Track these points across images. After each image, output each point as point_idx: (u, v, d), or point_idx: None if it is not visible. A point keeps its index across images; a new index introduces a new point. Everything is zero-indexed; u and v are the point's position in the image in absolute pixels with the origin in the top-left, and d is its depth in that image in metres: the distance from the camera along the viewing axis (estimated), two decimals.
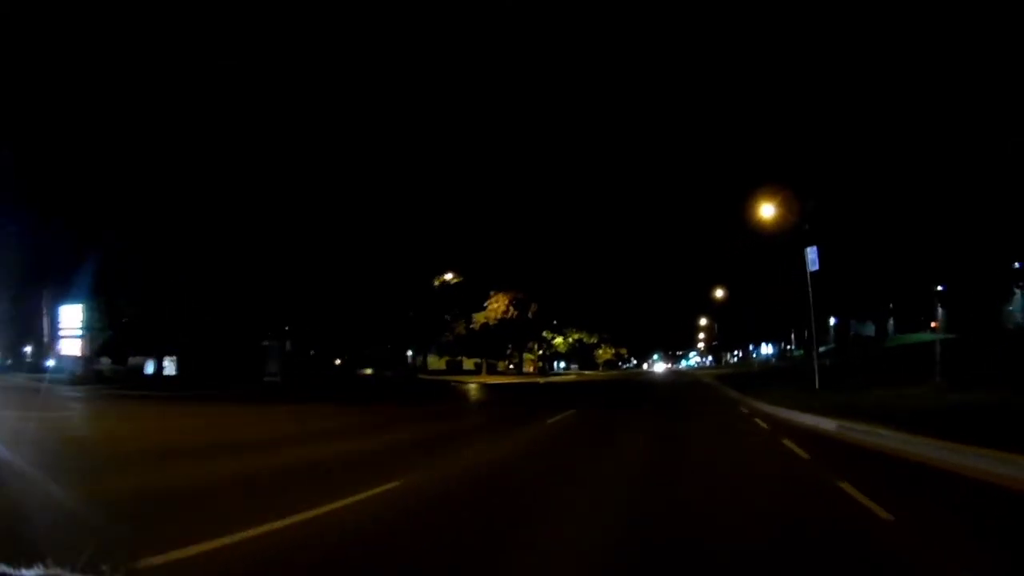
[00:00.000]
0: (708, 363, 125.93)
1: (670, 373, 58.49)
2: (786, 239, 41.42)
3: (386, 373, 40.93)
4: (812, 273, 18.15)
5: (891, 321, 59.66)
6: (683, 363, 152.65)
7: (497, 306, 47.70)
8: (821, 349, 58.85)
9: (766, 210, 32.32)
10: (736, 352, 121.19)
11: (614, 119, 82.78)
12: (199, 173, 29.93)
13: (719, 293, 70.21)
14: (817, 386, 17.42)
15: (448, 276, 43.51)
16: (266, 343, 35.84)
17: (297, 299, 34.09)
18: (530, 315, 49.85)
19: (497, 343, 51.25)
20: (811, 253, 18.17)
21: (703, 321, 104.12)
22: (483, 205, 46.18)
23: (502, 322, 48.03)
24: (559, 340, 70.70)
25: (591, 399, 24.19)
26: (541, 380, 41.55)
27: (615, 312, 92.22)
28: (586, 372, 78.36)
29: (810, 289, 18.85)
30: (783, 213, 33.83)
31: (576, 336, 71.61)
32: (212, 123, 30.06)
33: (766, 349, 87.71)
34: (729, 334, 77.77)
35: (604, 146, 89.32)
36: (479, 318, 48.29)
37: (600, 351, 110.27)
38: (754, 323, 69.13)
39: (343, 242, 36.79)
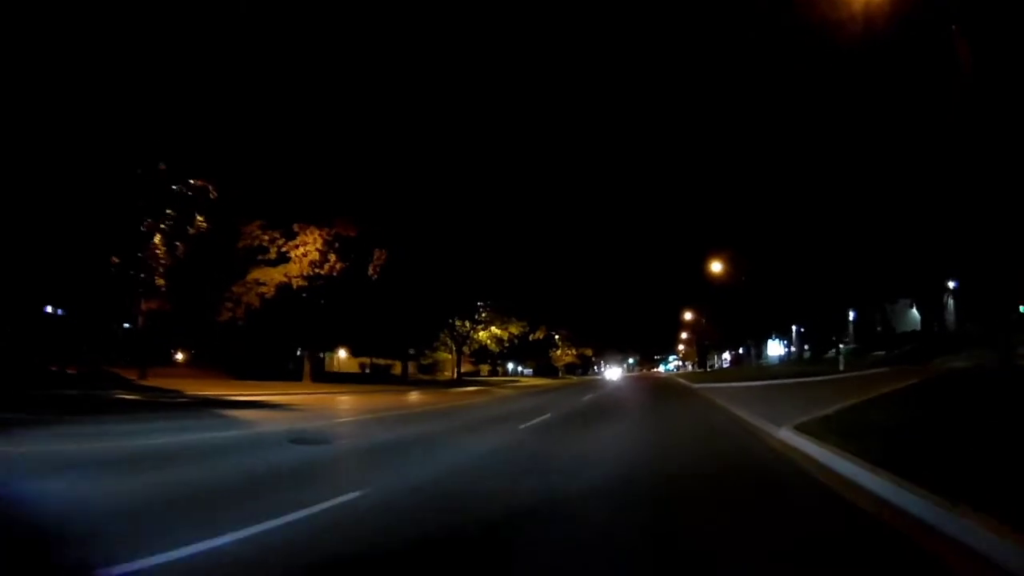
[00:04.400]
0: (691, 368, 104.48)
1: (639, 387, 33.64)
2: None
3: None
4: None
5: (950, 304, 40.95)
6: (662, 367, 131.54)
7: (304, 251, 24.30)
8: (841, 347, 36.72)
9: None
10: (724, 354, 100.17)
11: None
12: None
13: (716, 267, 48.48)
14: None
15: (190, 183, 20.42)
16: None
17: None
18: (373, 272, 26.42)
19: (318, 321, 27.51)
20: None
21: (687, 315, 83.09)
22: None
23: (324, 283, 24.72)
24: (484, 334, 47.70)
25: None
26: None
27: (571, 302, 70.00)
28: (520, 381, 55.48)
29: None
30: None
31: (512, 329, 48.54)
32: None
33: (775, 348, 65.90)
34: (730, 327, 55.58)
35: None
36: (272, 275, 24.92)
37: (557, 352, 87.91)
38: (773, 307, 47.30)
39: None
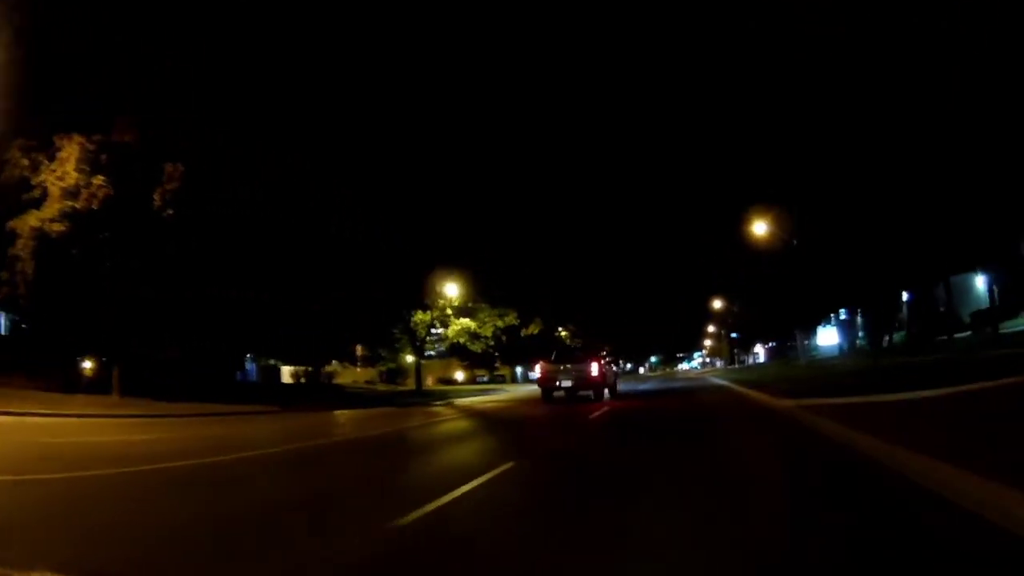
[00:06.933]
0: (719, 365, 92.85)
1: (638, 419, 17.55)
2: None
3: None
4: None
5: None
6: (687, 364, 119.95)
7: (60, 174, 13.86)
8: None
9: None
10: (756, 347, 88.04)
11: None
12: None
13: (759, 229, 36.81)
14: None
15: None
16: None
17: None
18: (159, 200, 14.93)
19: (98, 296, 15.87)
20: None
21: (716, 304, 71.57)
22: None
23: (89, 225, 14.05)
24: (453, 328, 36.24)
25: None
26: None
27: (576, 290, 58.51)
28: (492, 394, 44.14)
29: None
30: None
31: (484, 318, 37.00)
32: None
33: (826, 338, 53.56)
34: (770, 314, 43.90)
35: None
36: (26, 221, 14.96)
37: None
38: (823, 287, 35.57)
39: None
